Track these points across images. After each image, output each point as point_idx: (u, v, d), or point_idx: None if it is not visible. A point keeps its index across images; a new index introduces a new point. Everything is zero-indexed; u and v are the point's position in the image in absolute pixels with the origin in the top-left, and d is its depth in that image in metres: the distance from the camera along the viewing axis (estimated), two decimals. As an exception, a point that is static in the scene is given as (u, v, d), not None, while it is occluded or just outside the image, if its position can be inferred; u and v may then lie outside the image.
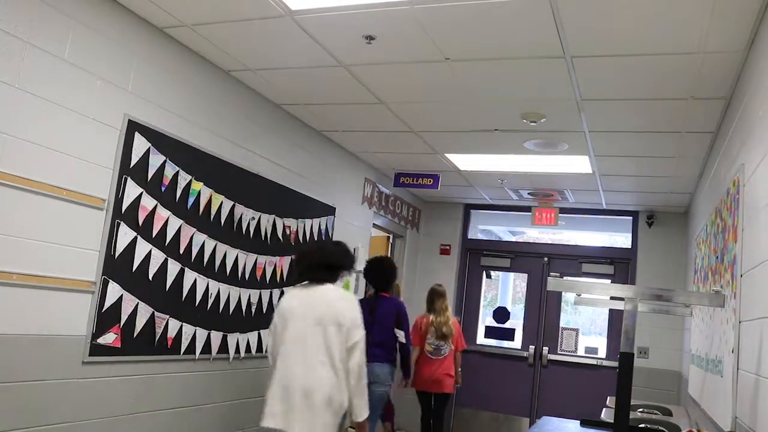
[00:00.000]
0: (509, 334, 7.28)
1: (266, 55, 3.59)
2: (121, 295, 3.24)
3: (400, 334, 4.70)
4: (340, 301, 3.34)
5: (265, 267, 4.38)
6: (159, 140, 3.44)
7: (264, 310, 4.39)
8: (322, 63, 3.58)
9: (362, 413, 3.24)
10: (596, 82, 3.46)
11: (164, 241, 3.50)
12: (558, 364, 6.96)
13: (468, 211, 7.55)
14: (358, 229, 5.81)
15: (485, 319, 7.53)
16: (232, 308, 4.06)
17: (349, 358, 3.24)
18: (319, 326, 3.25)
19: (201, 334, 3.80)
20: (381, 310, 4.61)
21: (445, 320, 5.47)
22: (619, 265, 6.91)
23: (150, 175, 3.39)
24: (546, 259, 7.27)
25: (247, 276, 4.20)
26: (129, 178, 3.26)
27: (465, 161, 5.54)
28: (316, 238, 5.00)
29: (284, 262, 4.62)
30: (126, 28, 3.20)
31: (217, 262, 3.92)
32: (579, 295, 3.03)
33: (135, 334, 3.34)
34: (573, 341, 6.99)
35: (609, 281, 6.82)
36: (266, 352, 3.49)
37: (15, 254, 2.71)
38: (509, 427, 6.99)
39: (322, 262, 3.41)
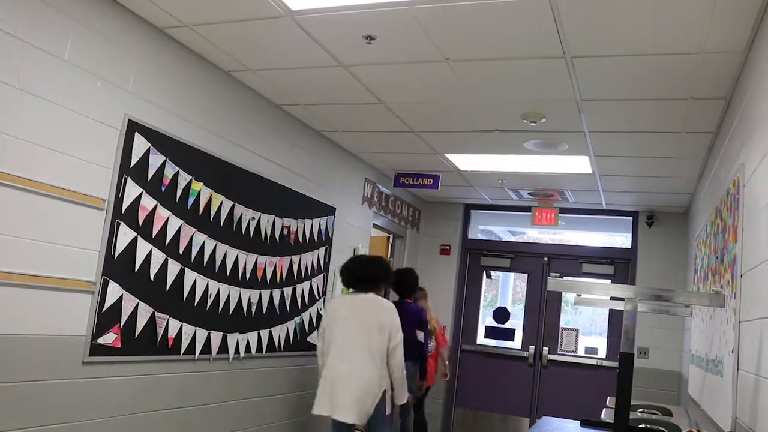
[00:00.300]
0: (509, 335, 7.28)
1: (266, 55, 3.59)
2: (121, 295, 3.24)
3: (420, 335, 5.16)
4: (381, 309, 4.05)
5: (265, 267, 4.38)
6: (159, 140, 3.44)
7: (264, 310, 4.39)
8: (322, 63, 3.58)
9: (402, 399, 4.05)
10: (596, 83, 3.46)
11: (164, 241, 3.50)
12: (558, 364, 6.96)
13: (468, 211, 7.54)
14: (358, 229, 5.82)
15: (485, 319, 7.53)
16: (232, 308, 4.06)
17: (392, 356, 3.97)
18: (364, 329, 3.95)
19: (201, 334, 3.80)
20: (405, 314, 4.83)
21: (428, 319, 5.73)
22: (619, 265, 6.91)
23: (150, 175, 3.39)
24: (546, 259, 7.27)
25: (247, 276, 4.20)
26: (129, 178, 3.26)
27: (465, 161, 5.55)
28: (316, 239, 5.01)
29: (284, 263, 4.62)
30: (126, 28, 3.20)
31: (218, 263, 3.92)
32: (579, 296, 3.03)
33: (135, 334, 3.34)
34: (573, 341, 6.99)
35: (609, 281, 6.82)
36: (318, 351, 4.20)
37: (15, 254, 2.71)
38: (509, 427, 7.00)
39: (364, 275, 4.13)
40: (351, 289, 4.15)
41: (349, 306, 4.09)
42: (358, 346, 3.90)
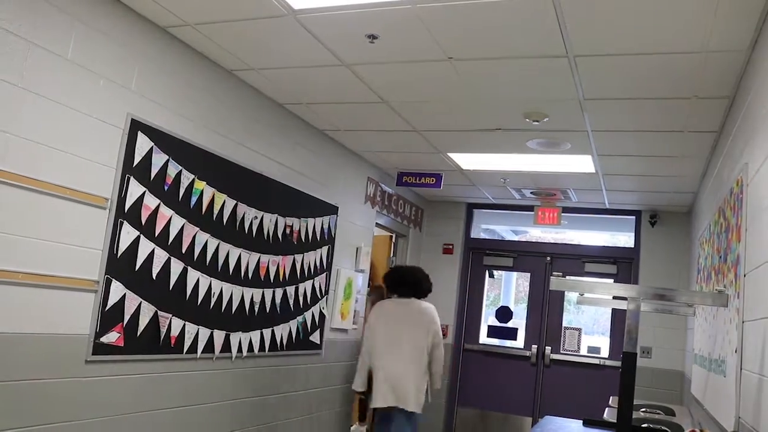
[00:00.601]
0: (512, 334, 7.28)
1: (269, 54, 3.59)
2: (124, 294, 3.24)
3: None
4: (425, 312, 4.71)
5: (268, 266, 4.38)
6: (162, 139, 3.44)
7: (267, 309, 4.40)
8: (325, 62, 3.58)
9: (438, 384, 4.78)
10: (599, 82, 3.45)
11: (167, 240, 3.51)
12: (561, 363, 6.95)
13: (471, 210, 7.54)
14: (360, 229, 5.82)
15: (488, 318, 7.53)
16: (234, 307, 4.07)
17: (437, 348, 4.66)
18: (410, 329, 4.62)
19: (204, 333, 3.81)
20: None
21: None
22: (621, 264, 6.90)
23: (153, 174, 3.40)
24: (549, 258, 7.26)
25: (250, 275, 4.20)
26: (132, 177, 3.26)
27: (468, 160, 5.54)
28: (318, 238, 5.01)
29: (287, 262, 4.62)
30: (129, 27, 3.20)
31: (220, 261, 3.92)
32: (582, 295, 3.03)
33: (138, 333, 3.34)
34: (576, 341, 6.98)
35: (612, 281, 6.81)
36: (362, 351, 4.84)
37: (18, 253, 2.72)
38: (511, 426, 6.99)
39: (408, 282, 4.80)
40: (395, 296, 4.85)
41: (395, 310, 4.73)
42: (408, 345, 4.57)
